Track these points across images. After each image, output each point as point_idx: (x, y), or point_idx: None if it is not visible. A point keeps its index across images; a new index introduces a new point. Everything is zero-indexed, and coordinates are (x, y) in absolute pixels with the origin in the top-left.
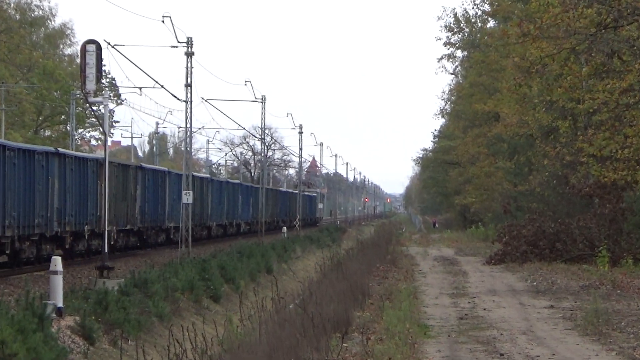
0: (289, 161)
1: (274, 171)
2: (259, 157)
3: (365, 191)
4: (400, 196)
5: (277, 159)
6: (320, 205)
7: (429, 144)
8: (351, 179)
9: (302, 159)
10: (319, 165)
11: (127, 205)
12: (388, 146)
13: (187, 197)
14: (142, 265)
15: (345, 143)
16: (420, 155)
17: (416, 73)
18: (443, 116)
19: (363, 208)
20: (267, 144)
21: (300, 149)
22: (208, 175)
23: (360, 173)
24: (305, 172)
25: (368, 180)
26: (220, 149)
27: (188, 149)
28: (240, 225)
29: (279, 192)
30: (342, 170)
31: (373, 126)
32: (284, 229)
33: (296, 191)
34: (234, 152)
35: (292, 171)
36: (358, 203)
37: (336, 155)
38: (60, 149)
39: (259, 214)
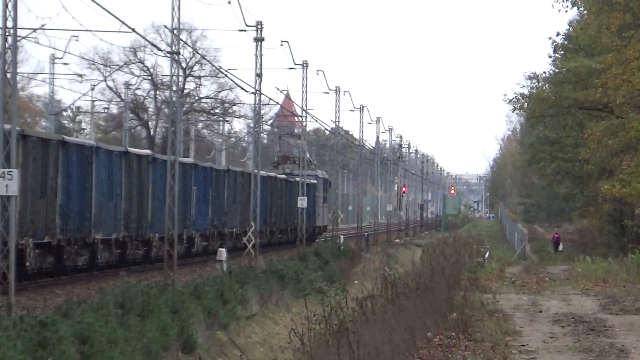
0: (235, 104)
1: (202, 123)
2: (173, 89)
3: (403, 171)
4: (480, 182)
5: (214, 96)
6: (321, 203)
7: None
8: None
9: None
10: (297, 114)
11: (47, 205)
12: (454, 121)
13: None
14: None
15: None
16: (520, 94)
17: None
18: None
19: (397, 207)
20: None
21: (337, 122)
22: (148, 153)
23: (408, 144)
24: (269, 124)
25: (420, 154)
26: (82, 77)
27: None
28: (195, 240)
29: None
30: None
31: (434, 95)
32: (222, 253)
33: (283, 175)
34: (111, 85)
35: (239, 124)
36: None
37: (378, 120)
38: None
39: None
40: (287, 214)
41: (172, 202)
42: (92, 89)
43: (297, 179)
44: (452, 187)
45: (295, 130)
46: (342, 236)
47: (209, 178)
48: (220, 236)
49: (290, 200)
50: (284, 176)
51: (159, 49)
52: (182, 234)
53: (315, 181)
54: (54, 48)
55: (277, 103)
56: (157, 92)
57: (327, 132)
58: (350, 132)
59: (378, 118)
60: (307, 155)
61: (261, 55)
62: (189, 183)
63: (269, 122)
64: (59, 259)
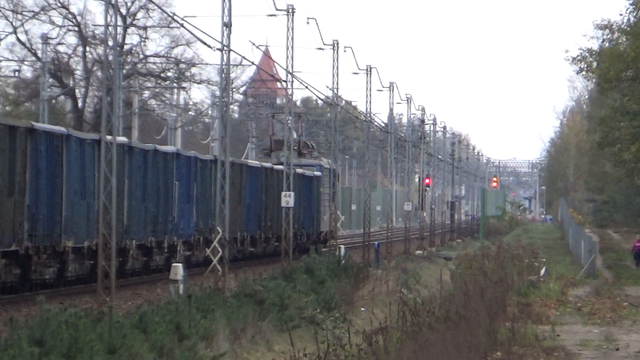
0: (194, 64)
1: (149, 92)
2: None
3: (427, 156)
4: (533, 172)
5: (165, 54)
6: (327, 201)
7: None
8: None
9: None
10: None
11: (15, 205)
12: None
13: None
14: None
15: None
16: (588, 50)
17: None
18: None
19: (418, 206)
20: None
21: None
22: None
23: (433, 119)
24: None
25: (450, 133)
26: None
27: None
28: (177, 249)
29: (249, 170)
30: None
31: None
32: (177, 270)
33: (281, 167)
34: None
35: (199, 93)
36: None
37: (409, 100)
38: None
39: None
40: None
41: (110, 200)
42: None
43: (299, 170)
44: (495, 178)
45: (278, 101)
46: (342, 246)
47: (193, 170)
48: (207, 243)
49: (298, 197)
50: (281, 167)
51: None
52: (162, 242)
53: (319, 173)
54: None
55: (252, 63)
56: (87, 49)
57: (320, 103)
58: (353, 103)
59: (408, 97)
60: (296, 136)
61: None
62: (170, 177)
63: (242, 90)
64: (25, 270)
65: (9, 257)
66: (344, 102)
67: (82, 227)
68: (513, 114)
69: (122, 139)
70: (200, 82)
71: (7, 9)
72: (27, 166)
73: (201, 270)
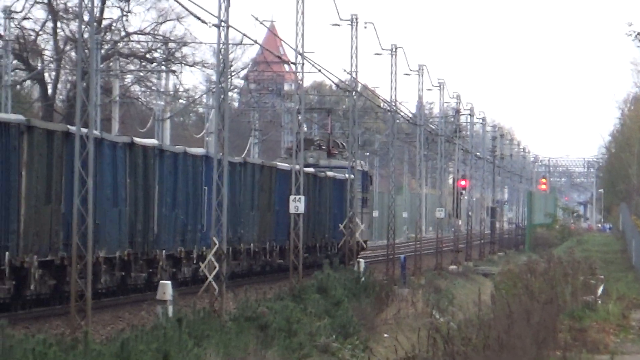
0: (186, 43)
1: (132, 76)
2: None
3: (463, 153)
4: (589, 172)
5: (151, 31)
6: (359, 208)
7: None
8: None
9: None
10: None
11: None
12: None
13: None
14: None
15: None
16: None
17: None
18: None
19: (452, 212)
20: None
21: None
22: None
23: (470, 108)
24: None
25: (491, 126)
26: None
27: None
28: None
29: (279, 173)
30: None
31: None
32: (166, 289)
33: (311, 169)
34: None
35: (192, 78)
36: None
37: (441, 86)
38: None
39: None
40: (317, 224)
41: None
42: None
43: (329, 173)
44: (544, 180)
45: (285, 86)
46: (361, 260)
47: (236, 178)
48: (235, 254)
49: (320, 205)
50: (311, 170)
51: None
52: (191, 251)
53: (351, 175)
54: None
55: (255, 42)
56: (58, 25)
57: (334, 88)
58: (375, 90)
59: (441, 82)
60: (309, 132)
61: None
62: (199, 182)
63: (242, 74)
64: (61, 281)
65: (45, 267)
66: (363, 88)
67: (115, 236)
68: (565, 104)
69: (152, 141)
70: (193, 64)
71: None
72: (63, 172)
73: (228, 283)
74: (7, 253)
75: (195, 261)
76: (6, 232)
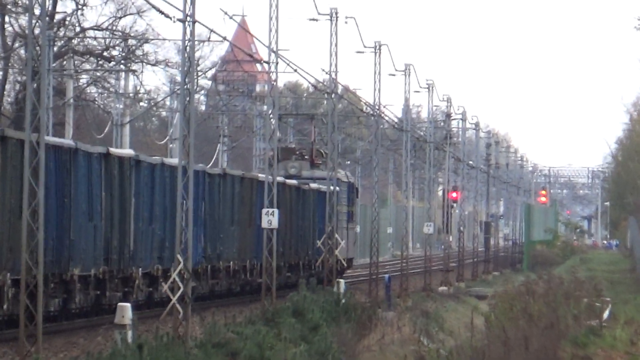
0: (147, 40)
1: (88, 76)
2: None
3: (454, 161)
4: (593, 182)
5: (109, 27)
6: (345, 222)
7: None
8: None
9: None
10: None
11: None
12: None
13: None
14: None
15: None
16: None
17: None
18: None
19: (442, 227)
20: None
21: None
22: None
23: (462, 112)
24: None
25: (485, 131)
26: None
27: None
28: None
29: (260, 186)
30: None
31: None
32: (124, 312)
33: (294, 182)
34: None
35: (154, 78)
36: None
37: (430, 87)
38: None
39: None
40: (300, 240)
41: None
42: None
43: (312, 185)
44: (544, 192)
45: (258, 88)
46: (341, 280)
47: (201, 187)
48: (214, 273)
49: (304, 220)
50: (295, 182)
51: None
52: (169, 269)
53: (337, 187)
54: None
55: (224, 39)
56: (6, 20)
57: (311, 89)
58: (357, 92)
59: (430, 83)
60: (278, 141)
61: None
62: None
63: (210, 74)
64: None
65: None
66: (344, 90)
67: (89, 253)
68: (566, 107)
69: (128, 151)
70: (156, 63)
71: None
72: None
73: (205, 304)
74: None
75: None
76: None
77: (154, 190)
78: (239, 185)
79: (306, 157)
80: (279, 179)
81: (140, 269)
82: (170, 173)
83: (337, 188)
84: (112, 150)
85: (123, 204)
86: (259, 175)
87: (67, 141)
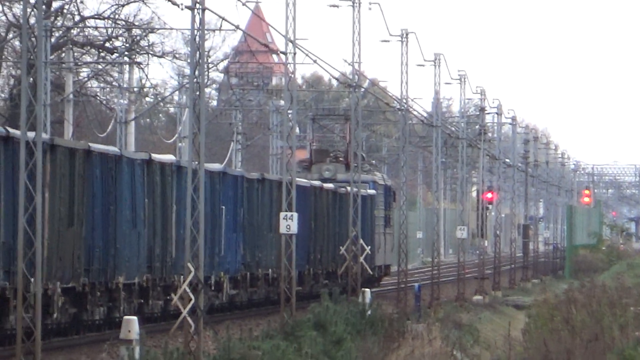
0: (153, 30)
1: (89, 69)
2: None
3: (489, 159)
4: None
5: (110, 15)
6: (382, 227)
7: None
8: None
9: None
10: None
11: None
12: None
13: None
14: None
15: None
16: None
17: None
18: None
19: (476, 231)
20: None
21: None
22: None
23: (498, 105)
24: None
25: (523, 126)
26: None
27: None
28: (223, 287)
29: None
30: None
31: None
32: (131, 326)
33: (331, 185)
34: None
35: (161, 71)
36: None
37: (462, 79)
38: None
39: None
40: (338, 247)
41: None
42: None
43: (349, 188)
44: (587, 192)
45: (274, 81)
46: (367, 290)
47: (239, 192)
48: (252, 281)
49: (340, 225)
50: (331, 186)
51: None
52: (208, 277)
53: (373, 191)
54: None
55: (237, 28)
56: None
57: (335, 83)
58: (382, 84)
59: (462, 74)
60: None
61: None
62: (217, 200)
63: (221, 66)
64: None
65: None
66: (370, 84)
67: (136, 260)
68: (610, 100)
69: (169, 157)
70: (162, 54)
71: None
72: (84, 191)
73: (242, 313)
74: None
75: (212, 287)
76: None
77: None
78: (277, 190)
79: (341, 159)
80: (316, 182)
81: (182, 276)
82: (210, 178)
83: (374, 191)
84: (154, 156)
85: (165, 210)
86: (298, 180)
87: (112, 148)
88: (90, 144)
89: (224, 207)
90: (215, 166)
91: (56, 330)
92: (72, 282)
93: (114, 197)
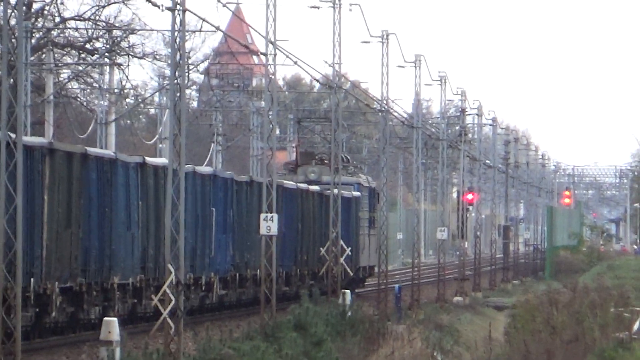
0: (133, 31)
1: (69, 70)
2: None
3: (469, 160)
4: (622, 183)
5: (91, 16)
6: (366, 229)
7: None
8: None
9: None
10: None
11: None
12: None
13: None
14: None
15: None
16: None
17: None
18: None
19: (457, 232)
20: None
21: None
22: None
23: (478, 106)
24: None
25: (503, 127)
26: None
27: None
28: (213, 288)
29: (285, 193)
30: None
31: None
32: (111, 327)
33: (316, 188)
34: None
35: (141, 72)
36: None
37: (443, 80)
38: None
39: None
40: (320, 248)
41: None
42: None
43: (335, 190)
44: (568, 193)
45: (254, 82)
46: (347, 291)
47: (229, 195)
48: (241, 281)
49: (326, 226)
50: (317, 188)
51: None
52: (199, 278)
53: (357, 193)
54: None
55: (218, 29)
56: None
57: (315, 84)
58: (363, 85)
59: (442, 75)
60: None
61: None
62: (207, 203)
63: (201, 68)
64: (77, 309)
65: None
66: (351, 86)
67: (131, 262)
68: (591, 101)
69: (163, 160)
70: (143, 56)
71: None
72: (82, 194)
73: (230, 313)
74: None
75: (202, 288)
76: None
77: (186, 198)
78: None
79: (326, 161)
80: (302, 185)
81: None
82: (201, 181)
83: (359, 193)
84: (148, 159)
85: (158, 212)
86: (284, 182)
87: (107, 152)
88: (87, 148)
89: (214, 209)
90: (206, 169)
91: (53, 329)
92: (69, 282)
93: (110, 199)
